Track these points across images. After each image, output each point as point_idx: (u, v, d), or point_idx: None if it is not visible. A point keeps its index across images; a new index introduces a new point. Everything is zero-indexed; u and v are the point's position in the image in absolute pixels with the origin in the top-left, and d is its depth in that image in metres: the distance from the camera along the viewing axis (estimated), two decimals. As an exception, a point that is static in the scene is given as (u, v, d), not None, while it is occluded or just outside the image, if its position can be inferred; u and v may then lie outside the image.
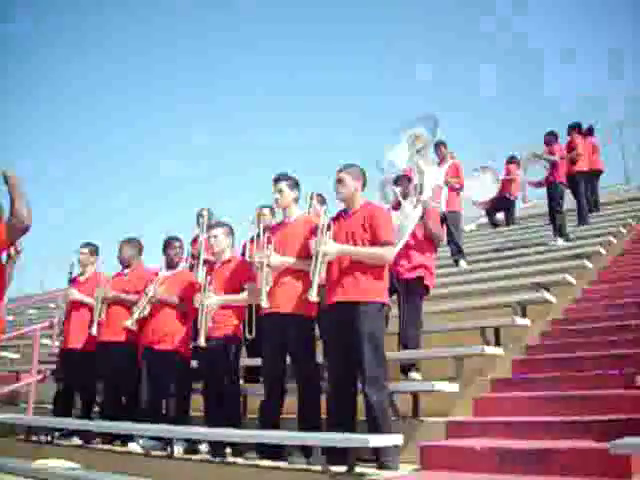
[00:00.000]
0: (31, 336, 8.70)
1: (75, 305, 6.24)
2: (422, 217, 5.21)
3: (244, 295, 4.98)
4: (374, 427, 3.97)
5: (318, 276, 4.18)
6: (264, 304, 4.47)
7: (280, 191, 4.71)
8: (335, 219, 4.46)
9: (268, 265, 4.50)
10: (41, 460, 4.83)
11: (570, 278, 6.45)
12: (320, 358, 4.71)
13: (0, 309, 4.28)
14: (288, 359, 4.60)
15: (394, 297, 5.27)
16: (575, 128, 10.18)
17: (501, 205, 11.68)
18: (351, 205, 4.42)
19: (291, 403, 4.55)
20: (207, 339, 4.90)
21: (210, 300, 4.95)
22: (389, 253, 4.30)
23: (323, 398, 4.40)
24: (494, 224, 12.01)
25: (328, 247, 4.19)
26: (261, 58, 36.68)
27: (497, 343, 5.29)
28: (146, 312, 5.50)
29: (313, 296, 4.15)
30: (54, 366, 6.91)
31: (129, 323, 5.50)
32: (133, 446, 5.18)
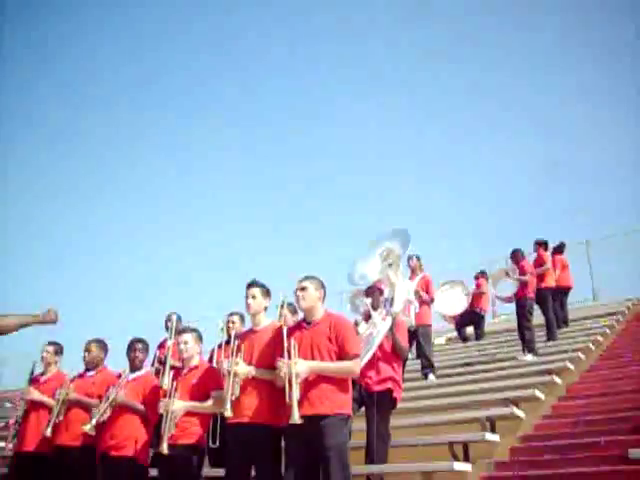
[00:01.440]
0: (-15, 438, 8.37)
1: (34, 406, 6.03)
2: (391, 329, 5.24)
3: (210, 403, 4.89)
4: None
5: (296, 398, 4.07)
6: (228, 414, 4.37)
7: (253, 297, 4.71)
8: (296, 328, 4.47)
9: (235, 374, 4.45)
10: None
11: (539, 393, 6.46)
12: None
13: None
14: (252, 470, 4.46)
15: (362, 409, 5.21)
16: (541, 244, 10.52)
17: (471, 319, 11.77)
18: (313, 315, 4.45)
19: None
20: (170, 446, 4.76)
21: (175, 406, 4.85)
22: (357, 366, 4.34)
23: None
24: (464, 338, 12.05)
25: (299, 367, 4.15)
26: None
27: (466, 458, 5.21)
28: (106, 416, 5.33)
29: (296, 419, 4.03)
30: (5, 470, 6.59)
31: (87, 428, 5.29)
32: None
